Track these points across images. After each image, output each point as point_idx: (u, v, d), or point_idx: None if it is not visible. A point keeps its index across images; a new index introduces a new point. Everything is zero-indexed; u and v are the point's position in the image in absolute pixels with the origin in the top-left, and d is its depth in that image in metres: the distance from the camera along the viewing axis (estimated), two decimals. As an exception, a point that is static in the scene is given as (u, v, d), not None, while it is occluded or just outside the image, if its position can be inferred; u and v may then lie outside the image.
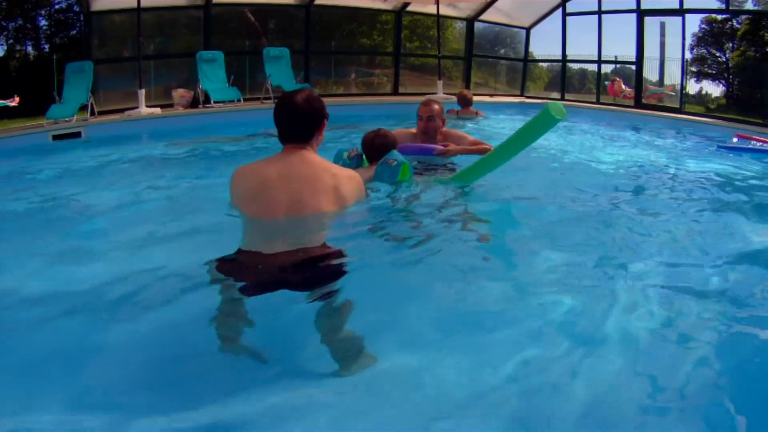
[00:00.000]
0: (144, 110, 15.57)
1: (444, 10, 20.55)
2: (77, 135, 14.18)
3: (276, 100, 4.31)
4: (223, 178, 4.49)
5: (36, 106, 22.27)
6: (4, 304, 4.00)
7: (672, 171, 8.99)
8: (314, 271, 3.70)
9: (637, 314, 3.88)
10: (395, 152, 5.62)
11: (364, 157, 5.88)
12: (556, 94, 22.30)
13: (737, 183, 8.27)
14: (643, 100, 19.72)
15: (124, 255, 4.86)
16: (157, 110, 15.84)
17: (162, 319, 3.75)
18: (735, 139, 12.51)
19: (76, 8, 39.69)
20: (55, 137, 13.91)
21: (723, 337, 3.67)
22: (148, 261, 4.57)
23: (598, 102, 20.69)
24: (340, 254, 3.80)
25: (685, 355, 3.48)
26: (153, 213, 6.64)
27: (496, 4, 21.41)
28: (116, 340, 3.60)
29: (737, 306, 4.08)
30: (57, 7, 41.56)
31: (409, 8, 21.65)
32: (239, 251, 3.75)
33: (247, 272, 3.68)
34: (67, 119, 14.89)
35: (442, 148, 6.80)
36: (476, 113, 13.87)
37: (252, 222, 3.93)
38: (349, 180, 4.10)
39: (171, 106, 17.08)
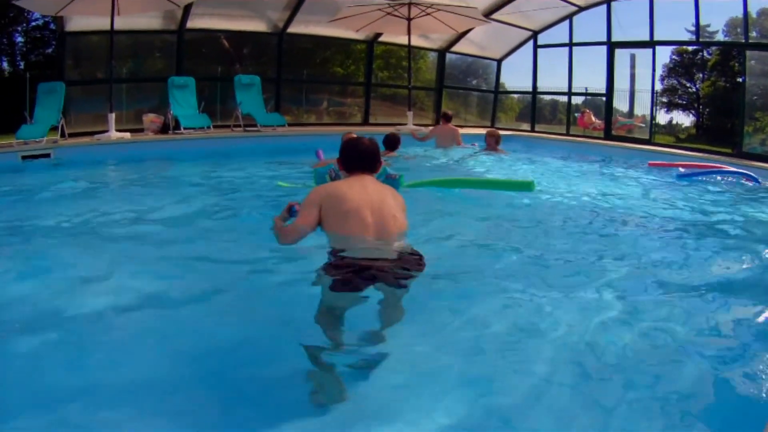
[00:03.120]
0: (114, 134, 15.53)
1: (416, 41, 20.76)
2: (47, 156, 14.11)
3: (347, 142, 5.26)
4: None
5: (8, 123, 22.24)
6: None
7: (634, 202, 9.24)
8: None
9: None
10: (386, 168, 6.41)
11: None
12: (526, 125, 22.60)
13: (697, 209, 8.56)
14: (613, 132, 19.98)
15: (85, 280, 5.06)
16: (127, 135, 15.80)
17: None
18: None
19: (53, 26, 39.50)
20: (25, 157, 13.83)
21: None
22: (114, 285, 4.92)
23: (568, 134, 20.97)
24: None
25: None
26: (121, 237, 6.84)
27: (468, 36, 21.76)
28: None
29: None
30: (33, 24, 41.34)
31: (382, 38, 21.89)
32: (344, 257, 4.48)
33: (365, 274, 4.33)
34: (37, 140, 14.80)
35: None
36: (500, 151, 14.31)
37: (352, 237, 4.62)
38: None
39: (141, 130, 17.06)
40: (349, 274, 4.30)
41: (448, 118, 16.37)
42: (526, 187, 8.40)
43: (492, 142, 14.35)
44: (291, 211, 5.06)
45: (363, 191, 4.76)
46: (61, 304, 4.67)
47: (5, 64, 42.27)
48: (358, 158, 5.09)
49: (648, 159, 14.05)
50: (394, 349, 3.96)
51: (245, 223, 7.80)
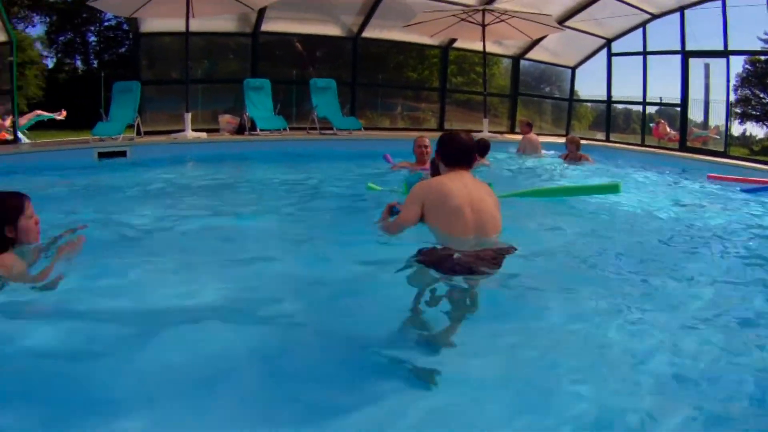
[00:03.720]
0: (190, 134, 15.57)
1: (490, 48, 20.44)
2: (123, 154, 14.17)
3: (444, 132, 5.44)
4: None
5: (82, 120, 22.45)
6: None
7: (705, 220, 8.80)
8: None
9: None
10: None
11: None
12: (600, 135, 22.06)
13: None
14: (688, 143, 19.46)
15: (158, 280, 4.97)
16: (203, 135, 15.85)
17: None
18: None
19: (125, 26, 40.06)
20: (101, 155, 13.94)
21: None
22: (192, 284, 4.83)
23: (642, 144, 20.42)
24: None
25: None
26: (200, 237, 6.74)
27: (542, 43, 21.37)
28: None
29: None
30: (107, 24, 42.02)
31: (456, 44, 21.67)
32: (447, 248, 4.67)
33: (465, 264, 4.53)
34: (113, 137, 14.96)
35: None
36: (583, 157, 13.96)
37: (463, 220, 4.79)
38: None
39: (216, 131, 17.18)
40: (450, 259, 4.54)
41: (530, 126, 16.18)
42: (613, 189, 8.11)
43: (573, 149, 13.99)
44: (392, 211, 5.30)
45: (464, 189, 4.87)
46: (141, 299, 4.64)
47: (79, 63, 43.10)
48: (459, 152, 5.14)
49: (722, 172, 13.44)
50: (466, 350, 3.92)
51: (330, 223, 7.75)
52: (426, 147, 10.29)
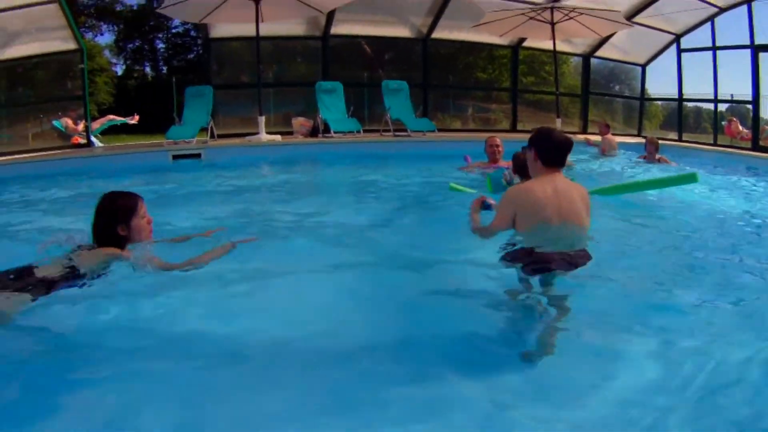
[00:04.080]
0: (264, 137, 15.64)
1: (560, 46, 20.09)
2: (197, 156, 14.29)
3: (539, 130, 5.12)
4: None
5: (153, 124, 22.76)
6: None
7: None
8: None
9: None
10: None
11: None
12: (672, 134, 21.46)
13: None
14: (761, 142, 18.78)
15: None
16: (278, 137, 15.87)
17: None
18: None
19: (193, 33, 40.65)
20: (175, 157, 14.09)
21: None
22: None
23: (715, 143, 19.76)
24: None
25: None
26: (287, 234, 6.70)
27: (611, 40, 20.91)
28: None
29: None
30: (174, 31, 42.76)
31: (525, 44, 21.40)
32: (533, 249, 4.63)
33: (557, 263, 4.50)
34: (186, 140, 15.14)
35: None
36: (662, 159, 13.65)
37: (550, 229, 4.69)
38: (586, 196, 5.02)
39: (289, 133, 17.21)
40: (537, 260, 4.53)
41: (608, 128, 16.01)
42: (690, 179, 7.88)
43: (652, 150, 13.64)
44: (483, 204, 5.32)
45: (555, 197, 4.70)
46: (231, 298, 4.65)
47: (148, 69, 43.90)
48: (556, 150, 4.87)
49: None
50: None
51: (412, 222, 7.70)
52: (497, 146, 10.50)
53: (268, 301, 4.58)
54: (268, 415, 3.09)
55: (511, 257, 4.68)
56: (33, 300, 3.89)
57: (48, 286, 3.97)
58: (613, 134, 16.66)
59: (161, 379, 3.41)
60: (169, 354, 3.71)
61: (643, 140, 14.74)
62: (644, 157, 13.64)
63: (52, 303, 3.98)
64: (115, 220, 4.39)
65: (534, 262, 4.50)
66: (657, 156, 13.43)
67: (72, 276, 4.10)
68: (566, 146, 4.89)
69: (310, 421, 3.05)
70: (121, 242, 4.41)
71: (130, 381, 3.38)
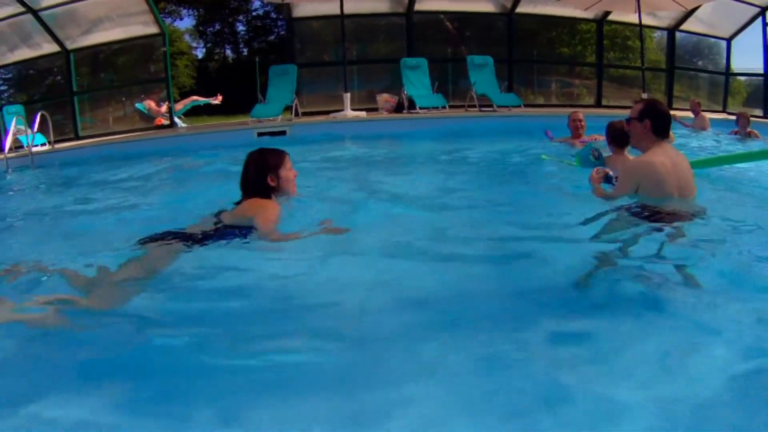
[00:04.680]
0: (350, 113, 15.67)
1: (645, 20, 19.53)
2: (282, 133, 14.40)
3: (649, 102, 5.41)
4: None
5: (235, 104, 22.92)
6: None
7: None
8: None
9: None
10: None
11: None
12: (757, 111, 20.61)
13: None
14: None
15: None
16: (363, 114, 15.94)
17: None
18: None
19: (274, 15, 41.01)
20: (260, 134, 14.26)
21: None
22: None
23: (803, 120, 19.02)
24: None
25: None
26: (372, 207, 6.58)
27: (695, 14, 20.23)
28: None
29: None
30: (255, 14, 43.17)
31: (610, 17, 20.88)
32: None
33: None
34: (271, 118, 15.30)
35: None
36: (752, 133, 13.30)
37: (672, 201, 4.95)
38: None
39: (374, 110, 17.23)
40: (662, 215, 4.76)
41: (700, 105, 15.68)
42: None
43: (744, 124, 13.26)
44: (606, 177, 5.59)
45: (674, 171, 4.97)
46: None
47: (229, 52, 44.46)
48: (666, 121, 5.17)
49: None
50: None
51: (507, 195, 7.38)
52: (580, 121, 10.58)
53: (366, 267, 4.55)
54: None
55: (636, 214, 4.84)
56: (187, 249, 4.22)
57: (199, 240, 4.31)
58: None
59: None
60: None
61: (729, 116, 14.39)
62: (736, 132, 13.30)
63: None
64: (265, 170, 4.75)
65: (660, 217, 4.71)
66: (748, 130, 13.08)
67: (221, 231, 4.42)
68: (670, 118, 5.25)
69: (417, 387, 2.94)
70: (269, 192, 4.76)
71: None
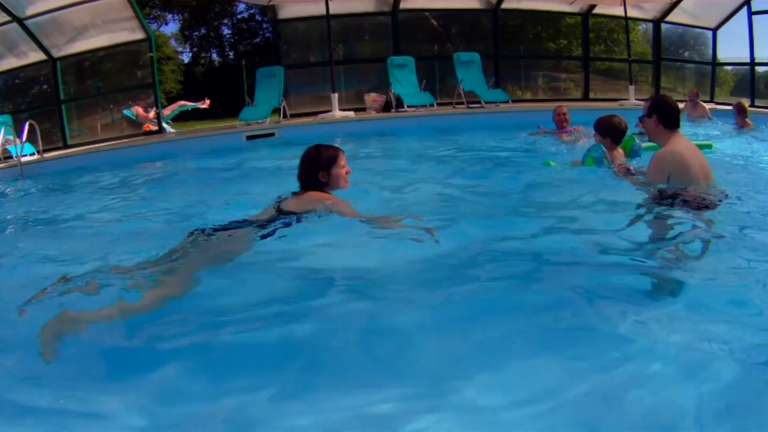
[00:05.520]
0: (338, 113, 15.71)
1: (630, 12, 19.58)
2: (271, 135, 14.47)
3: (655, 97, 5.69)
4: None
5: (223, 108, 22.90)
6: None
7: None
8: None
9: None
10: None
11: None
12: (745, 100, 20.79)
13: None
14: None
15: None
16: (351, 113, 15.99)
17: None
18: None
19: (259, 17, 41.01)
20: (249, 137, 14.26)
21: None
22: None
23: (789, 108, 19.06)
24: None
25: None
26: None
27: (680, 5, 20.24)
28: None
29: None
30: (239, 17, 43.16)
31: (595, 11, 20.91)
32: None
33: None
34: (259, 121, 15.32)
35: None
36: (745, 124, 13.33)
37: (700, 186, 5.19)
38: None
39: (362, 109, 17.27)
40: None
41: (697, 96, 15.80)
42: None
43: (740, 114, 13.29)
44: (628, 171, 5.89)
45: (695, 158, 5.30)
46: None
47: (215, 55, 44.42)
48: (677, 113, 5.39)
49: None
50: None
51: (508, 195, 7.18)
52: (564, 114, 11.22)
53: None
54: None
55: (669, 199, 5.03)
56: (259, 235, 4.51)
57: (264, 225, 4.61)
58: (679, 101, 16.27)
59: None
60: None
61: (716, 106, 14.51)
62: (737, 123, 13.34)
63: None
64: (318, 167, 4.91)
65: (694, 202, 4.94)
66: (745, 120, 13.13)
67: (282, 217, 4.70)
68: (678, 109, 5.42)
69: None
70: (321, 187, 4.95)
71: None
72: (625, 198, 5.51)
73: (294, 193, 4.99)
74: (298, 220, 4.68)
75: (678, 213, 4.81)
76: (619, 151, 7.11)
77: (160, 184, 10.19)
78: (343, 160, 5.04)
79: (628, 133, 7.26)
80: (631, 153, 7.34)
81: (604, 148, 6.90)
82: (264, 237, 4.49)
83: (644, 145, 7.51)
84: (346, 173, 5.07)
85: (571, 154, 8.02)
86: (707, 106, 15.21)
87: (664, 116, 5.35)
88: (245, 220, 4.77)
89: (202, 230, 4.53)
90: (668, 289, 3.94)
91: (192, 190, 8.92)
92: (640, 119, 5.62)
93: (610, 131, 7.09)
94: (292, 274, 4.36)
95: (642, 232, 4.87)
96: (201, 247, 4.38)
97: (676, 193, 5.06)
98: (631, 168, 5.77)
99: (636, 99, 17.97)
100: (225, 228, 4.58)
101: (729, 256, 4.09)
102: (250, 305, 3.83)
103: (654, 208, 5.10)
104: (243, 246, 4.48)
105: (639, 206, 5.25)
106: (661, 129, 5.36)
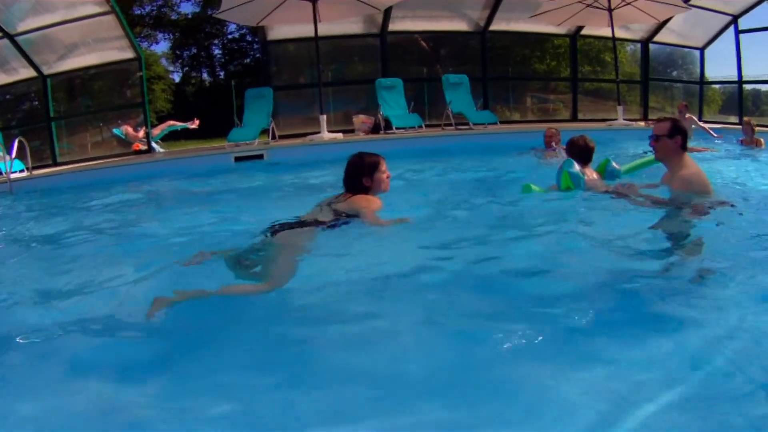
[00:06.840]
0: (326, 135, 15.68)
1: (618, 33, 19.67)
2: (260, 157, 14.41)
3: (675, 120, 5.97)
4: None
5: (213, 128, 22.89)
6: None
7: None
8: None
9: None
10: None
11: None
12: (733, 118, 20.84)
13: None
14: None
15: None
16: (339, 135, 15.95)
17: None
18: None
19: (249, 38, 41.05)
20: (238, 159, 14.25)
21: None
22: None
23: (776, 125, 19.15)
24: None
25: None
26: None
27: (668, 25, 20.40)
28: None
29: None
30: (230, 37, 43.24)
31: (583, 32, 21.07)
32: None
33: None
34: (248, 142, 15.28)
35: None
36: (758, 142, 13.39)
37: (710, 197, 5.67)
38: None
39: (351, 131, 17.23)
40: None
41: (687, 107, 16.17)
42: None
43: (749, 132, 13.38)
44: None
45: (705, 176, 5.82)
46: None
47: (205, 75, 44.44)
48: (686, 134, 5.85)
49: None
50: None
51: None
52: (551, 136, 11.87)
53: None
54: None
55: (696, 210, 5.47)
56: (322, 230, 5.02)
57: (322, 223, 5.09)
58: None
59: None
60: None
61: (705, 126, 14.49)
62: (743, 141, 13.41)
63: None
64: (361, 173, 5.38)
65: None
66: (754, 138, 13.27)
67: (337, 217, 5.16)
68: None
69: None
70: (366, 191, 5.40)
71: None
72: (620, 218, 5.73)
73: (337, 196, 5.46)
74: (345, 222, 5.10)
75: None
76: (591, 170, 7.20)
77: (148, 204, 10.22)
78: (384, 166, 5.48)
79: (640, 152, 7.40)
80: (606, 175, 7.39)
81: (575, 164, 6.83)
82: (323, 227, 5.00)
83: (624, 167, 7.53)
84: (387, 177, 5.52)
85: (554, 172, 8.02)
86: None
87: (684, 139, 5.76)
88: (301, 220, 5.22)
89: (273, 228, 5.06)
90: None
91: (179, 212, 8.85)
92: (656, 139, 5.82)
93: (575, 151, 7.27)
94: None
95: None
96: (277, 247, 4.88)
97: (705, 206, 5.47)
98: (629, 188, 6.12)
99: (624, 119, 18.08)
100: (291, 225, 5.08)
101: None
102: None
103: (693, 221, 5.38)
104: (309, 242, 4.94)
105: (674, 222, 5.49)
106: (679, 150, 5.73)
